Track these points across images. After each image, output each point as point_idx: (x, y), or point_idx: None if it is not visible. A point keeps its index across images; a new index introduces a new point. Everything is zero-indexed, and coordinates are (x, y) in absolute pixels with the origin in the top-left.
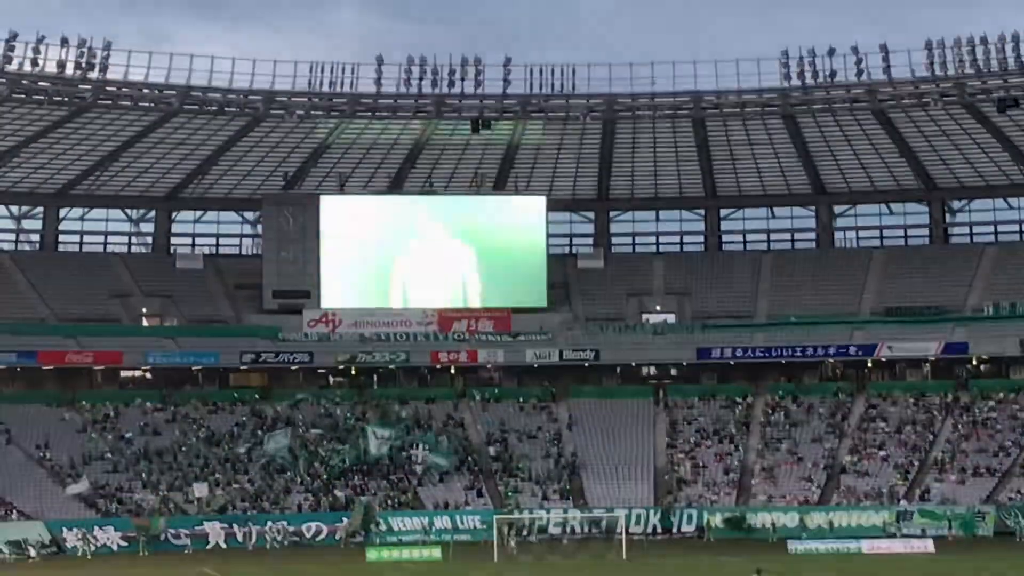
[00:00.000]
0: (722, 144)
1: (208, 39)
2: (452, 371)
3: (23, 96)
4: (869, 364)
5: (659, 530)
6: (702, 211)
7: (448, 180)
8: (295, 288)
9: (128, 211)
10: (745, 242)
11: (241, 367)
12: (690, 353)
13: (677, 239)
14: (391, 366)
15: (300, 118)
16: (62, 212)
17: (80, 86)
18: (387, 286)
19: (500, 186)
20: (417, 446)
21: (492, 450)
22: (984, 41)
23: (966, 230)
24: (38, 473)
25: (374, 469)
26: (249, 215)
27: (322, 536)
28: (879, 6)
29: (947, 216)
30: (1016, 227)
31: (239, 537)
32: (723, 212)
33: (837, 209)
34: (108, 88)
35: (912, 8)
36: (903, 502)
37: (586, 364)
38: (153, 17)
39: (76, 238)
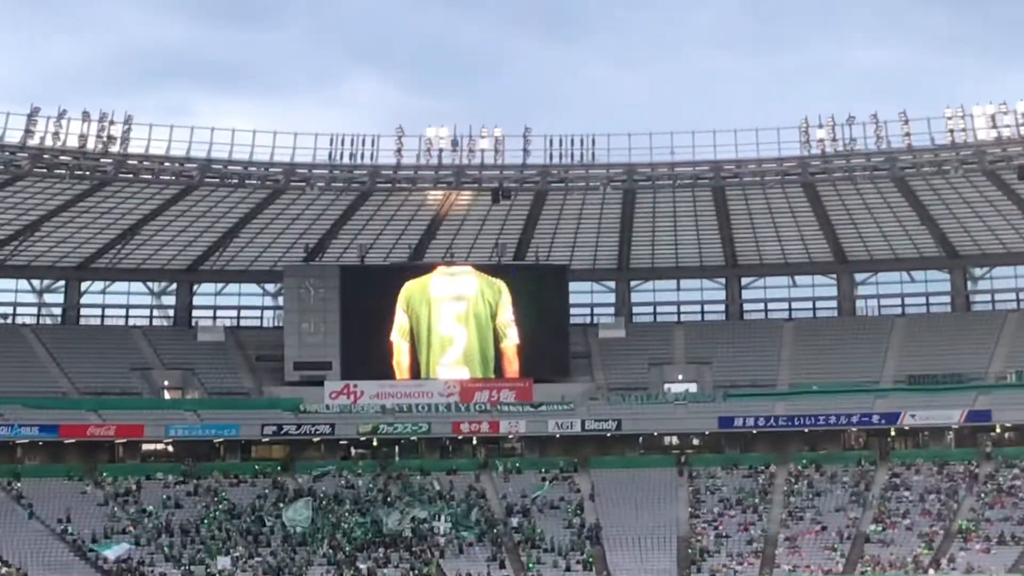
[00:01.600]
0: (742, 213)
1: (227, 112)
2: (474, 441)
3: (45, 170)
4: (892, 432)
5: None
6: (723, 280)
7: (469, 250)
8: (316, 360)
9: (149, 284)
10: (766, 310)
11: (263, 439)
12: (712, 422)
13: (698, 308)
14: (413, 437)
15: (321, 190)
16: (84, 285)
17: (101, 160)
18: (408, 357)
19: (521, 256)
20: (439, 517)
21: (514, 521)
22: (1003, 109)
23: (988, 297)
24: (59, 547)
25: (396, 541)
26: (270, 287)
27: None
28: (898, 75)
29: (968, 283)
30: None
31: None
32: (744, 280)
33: (858, 277)
34: (129, 162)
35: (931, 77)
36: (928, 571)
37: (608, 434)
38: (172, 91)
39: (98, 311)
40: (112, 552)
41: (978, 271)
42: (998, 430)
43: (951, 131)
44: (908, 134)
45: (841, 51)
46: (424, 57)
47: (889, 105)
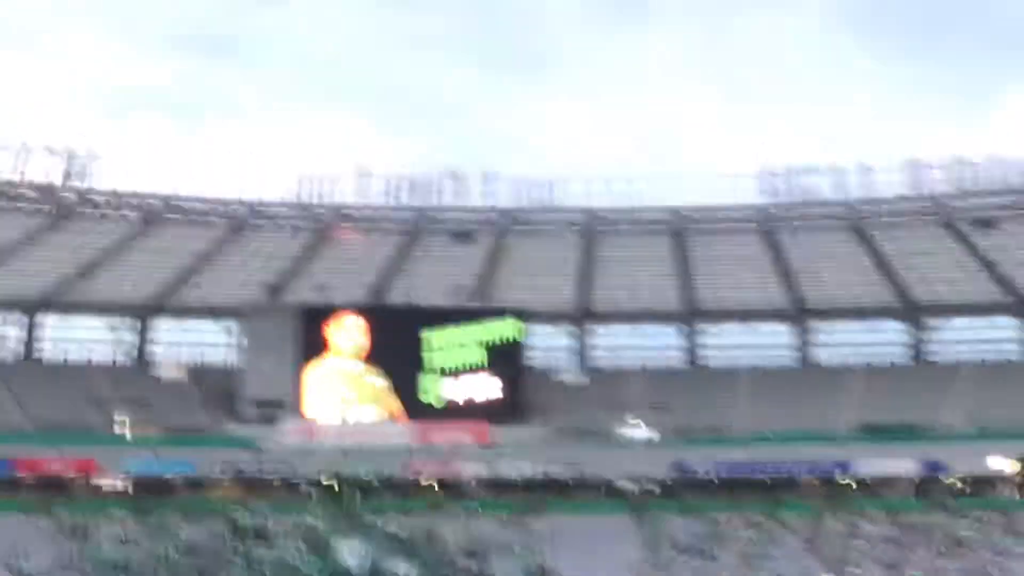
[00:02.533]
0: (702, 259)
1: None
2: (431, 484)
3: (6, 203)
4: (847, 481)
5: None
6: (682, 326)
7: (429, 291)
8: (274, 398)
9: (109, 319)
10: (724, 357)
11: (219, 477)
12: (669, 468)
13: (657, 354)
14: (369, 478)
15: (282, 228)
16: (43, 320)
17: (64, 194)
18: (366, 397)
19: (480, 298)
20: (396, 559)
21: (473, 565)
22: (962, 161)
23: (945, 348)
24: None
25: None
26: (229, 325)
27: None
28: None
29: (925, 334)
30: (995, 346)
31: None
32: (703, 327)
33: (816, 325)
34: (92, 196)
35: (891, 126)
36: None
37: (566, 479)
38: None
39: (57, 346)
40: None
41: (935, 322)
42: (952, 481)
43: (909, 182)
44: (868, 183)
45: (800, 97)
46: (388, 99)
47: (849, 152)
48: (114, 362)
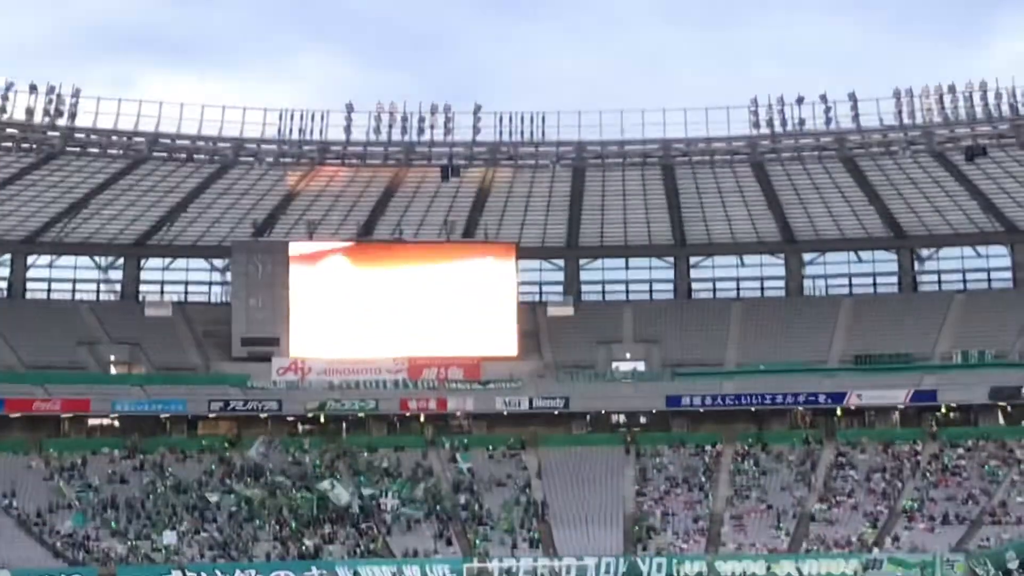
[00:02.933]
0: (691, 192)
1: (176, 87)
2: (421, 419)
3: None
4: (838, 412)
5: None
6: (671, 259)
7: (418, 227)
8: (264, 336)
9: (96, 258)
10: (715, 290)
11: (209, 415)
12: (660, 401)
13: (647, 287)
14: (360, 414)
15: (269, 165)
16: (30, 259)
17: (49, 133)
18: (357, 334)
19: (470, 234)
20: (386, 494)
21: (461, 498)
22: (952, 90)
23: (935, 278)
24: (4, 522)
25: (343, 517)
26: (218, 263)
27: None
28: (849, 53)
29: (916, 264)
30: (984, 275)
31: None
32: (692, 260)
33: (806, 257)
34: (77, 135)
35: (881, 57)
36: (873, 550)
37: (556, 412)
38: (121, 65)
39: (44, 285)
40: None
41: (925, 252)
42: (943, 410)
43: (900, 112)
44: (857, 115)
45: (790, 27)
46: (375, 34)
47: (839, 83)
48: (101, 301)
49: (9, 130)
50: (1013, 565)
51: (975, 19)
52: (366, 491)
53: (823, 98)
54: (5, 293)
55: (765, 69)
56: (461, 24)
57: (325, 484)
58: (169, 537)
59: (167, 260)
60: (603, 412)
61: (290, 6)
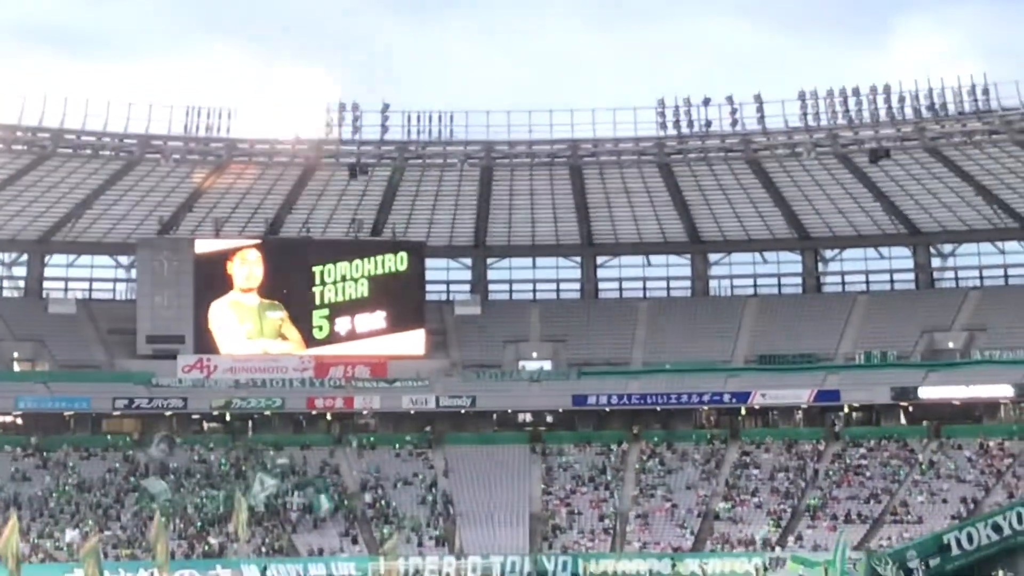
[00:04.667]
0: (599, 192)
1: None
2: (328, 417)
3: None
4: (743, 411)
5: None
6: (578, 258)
7: (326, 226)
8: (169, 333)
9: (0, 254)
10: (621, 290)
11: (114, 413)
12: (566, 400)
13: (554, 286)
14: (266, 412)
15: (176, 163)
16: None
17: None
18: (263, 331)
19: (378, 232)
20: (293, 492)
21: (368, 496)
22: (856, 93)
23: (838, 279)
24: None
25: (249, 516)
26: (124, 260)
27: None
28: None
29: (820, 265)
30: (887, 276)
31: None
32: (599, 260)
33: (712, 257)
34: None
35: (786, 59)
36: (776, 548)
37: (462, 411)
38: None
39: None
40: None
41: (829, 253)
42: (846, 410)
43: (804, 114)
44: (763, 116)
45: (698, 28)
46: (283, 29)
47: (747, 84)
48: (4, 297)
49: None
50: (914, 564)
51: (876, 22)
52: (269, 485)
53: (729, 100)
54: None
55: (675, 70)
56: (372, 21)
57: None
58: (72, 535)
59: (72, 257)
60: (510, 411)
61: (196, 0)
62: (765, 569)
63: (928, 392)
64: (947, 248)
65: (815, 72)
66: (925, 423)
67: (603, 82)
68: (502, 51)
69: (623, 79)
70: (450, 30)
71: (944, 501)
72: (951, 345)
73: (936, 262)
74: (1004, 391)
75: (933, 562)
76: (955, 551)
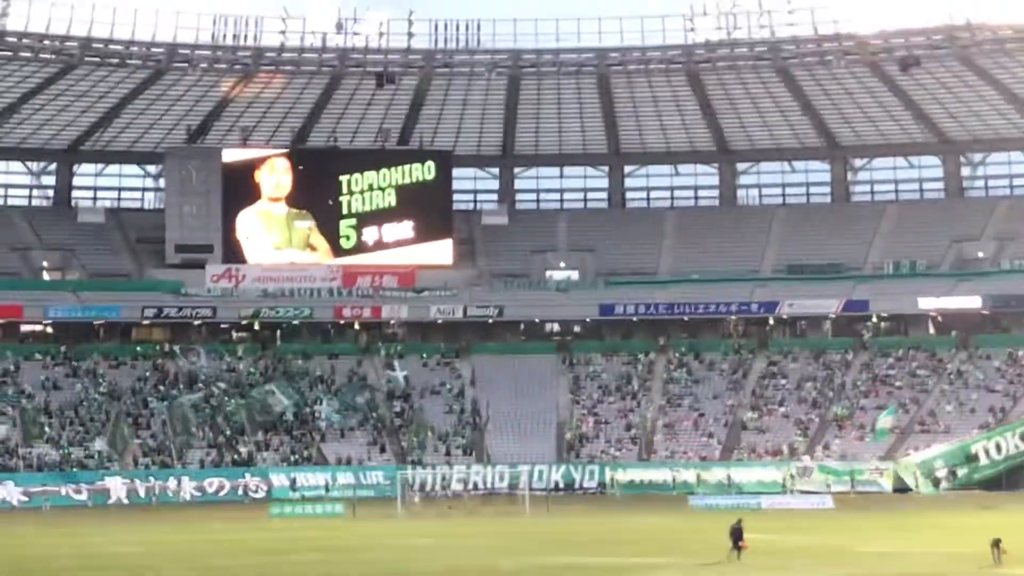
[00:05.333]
0: (626, 101)
1: None
2: (356, 327)
3: None
4: (770, 321)
5: (562, 486)
6: (606, 168)
7: (353, 135)
8: (198, 242)
9: (29, 163)
10: (649, 199)
11: (143, 322)
12: (593, 310)
13: (581, 196)
14: (295, 321)
15: (203, 71)
16: None
17: None
18: (291, 241)
19: (405, 141)
20: (320, 402)
21: (396, 406)
22: (886, 1)
23: (867, 188)
24: None
25: (277, 424)
26: (152, 169)
27: (224, 491)
28: None
29: (849, 174)
30: (916, 186)
31: (141, 493)
32: (627, 169)
33: (740, 167)
34: (7, 39)
35: None
36: (803, 458)
37: (490, 320)
38: None
39: None
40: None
41: (858, 162)
42: (875, 320)
43: (835, 21)
44: (792, 24)
45: None
46: None
47: None
48: (33, 206)
49: None
50: (942, 474)
51: None
52: (300, 398)
53: (759, 6)
54: None
55: None
56: None
57: (266, 389)
58: (101, 444)
59: (100, 166)
60: (537, 321)
61: None
62: (794, 476)
63: (956, 302)
64: (977, 157)
65: None
66: (954, 333)
67: None
68: None
69: None
70: None
71: (972, 411)
72: (980, 255)
73: (966, 171)
74: None
75: (961, 471)
76: (983, 460)
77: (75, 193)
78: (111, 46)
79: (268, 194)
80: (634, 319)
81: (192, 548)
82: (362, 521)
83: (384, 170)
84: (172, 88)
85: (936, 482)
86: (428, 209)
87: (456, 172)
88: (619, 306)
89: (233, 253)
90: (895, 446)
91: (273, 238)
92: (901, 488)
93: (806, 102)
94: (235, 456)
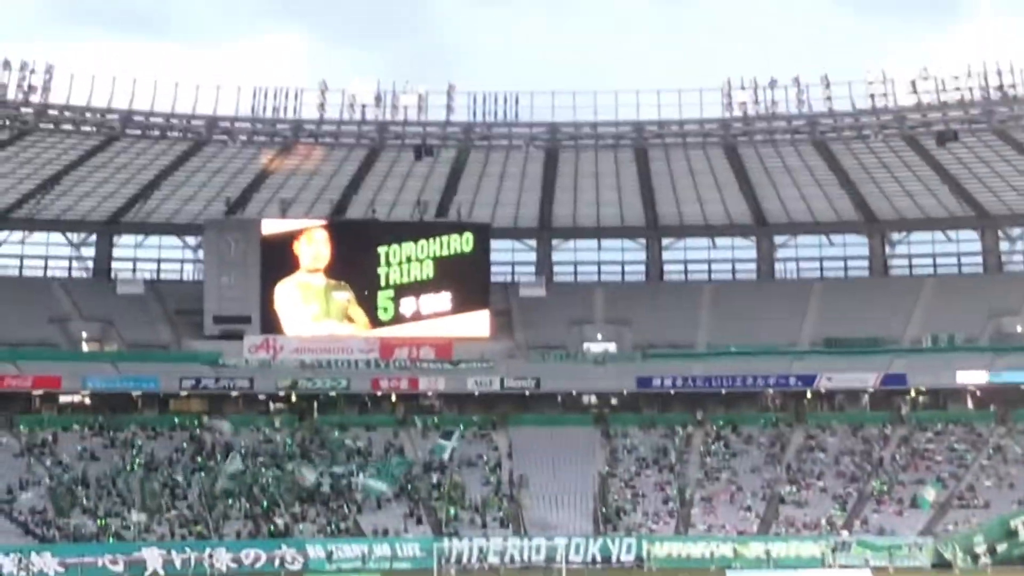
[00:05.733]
0: (664, 174)
1: (146, 62)
2: (393, 398)
3: None
4: (808, 395)
5: (598, 559)
6: (644, 240)
7: (391, 207)
8: (236, 314)
9: (69, 235)
10: (686, 272)
11: (181, 393)
12: (630, 382)
13: (619, 268)
14: (332, 393)
15: (243, 143)
16: (2, 235)
17: (22, 109)
18: (329, 312)
19: (443, 213)
20: (357, 473)
21: (432, 477)
22: (924, 74)
23: (905, 262)
24: None
25: (314, 496)
26: (191, 240)
27: (261, 563)
28: (821, 39)
29: (887, 248)
30: (954, 259)
31: (177, 564)
32: (664, 242)
33: (778, 240)
34: (50, 111)
35: (854, 41)
36: (842, 532)
37: (527, 392)
38: (90, 39)
39: (16, 262)
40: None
41: (896, 236)
42: (913, 394)
43: (872, 96)
44: (829, 98)
45: (765, 9)
46: (345, 10)
47: (812, 66)
48: (73, 277)
49: None
50: (980, 549)
51: (943, 4)
52: (337, 469)
53: (796, 81)
54: None
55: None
56: (432, 2)
57: (296, 463)
58: (139, 515)
59: (140, 237)
60: (574, 393)
61: None
62: (833, 551)
63: (994, 376)
64: (1016, 231)
65: (881, 54)
66: (992, 407)
67: (667, 64)
68: (566, 33)
69: (687, 61)
70: (513, 12)
71: (1011, 486)
72: (1019, 329)
73: (1004, 245)
74: None
75: (1001, 547)
76: (1022, 536)
77: (114, 264)
78: (152, 119)
79: (306, 265)
80: (671, 392)
81: None
82: None
83: (422, 242)
84: (212, 160)
85: (975, 557)
86: (466, 281)
87: (494, 244)
88: (656, 379)
89: (271, 324)
90: (934, 521)
91: (311, 309)
92: (940, 563)
93: (844, 176)
94: (271, 527)
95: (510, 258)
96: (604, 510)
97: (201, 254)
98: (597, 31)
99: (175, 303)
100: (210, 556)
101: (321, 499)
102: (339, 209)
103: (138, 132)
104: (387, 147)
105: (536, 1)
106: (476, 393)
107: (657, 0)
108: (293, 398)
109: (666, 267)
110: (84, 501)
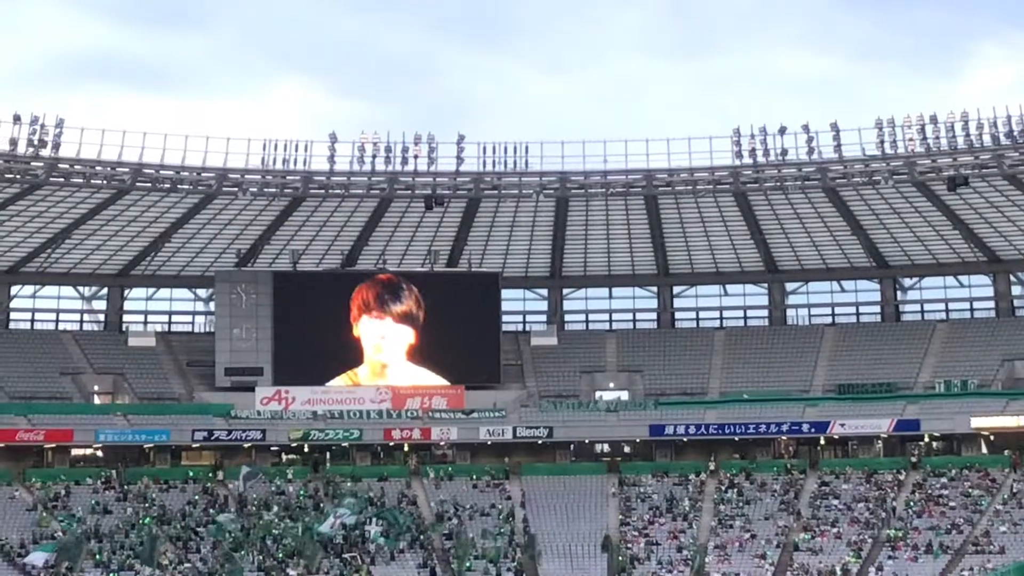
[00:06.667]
0: (674, 222)
1: (154, 116)
2: (405, 448)
3: None
4: (821, 441)
5: None
6: (655, 288)
7: (401, 257)
8: (247, 365)
9: (80, 288)
10: (698, 319)
11: (193, 445)
12: (643, 430)
13: (630, 316)
14: (344, 443)
15: (253, 195)
16: (13, 289)
17: (32, 163)
18: (340, 363)
19: (453, 263)
20: (371, 522)
21: (445, 527)
22: (934, 120)
23: (917, 307)
24: None
25: (327, 547)
26: (202, 292)
27: None
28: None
29: (898, 293)
30: (967, 304)
31: None
32: (676, 289)
33: (789, 286)
34: (60, 165)
35: (862, 86)
36: None
37: (539, 441)
38: (99, 94)
39: (27, 315)
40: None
41: (908, 281)
42: (926, 439)
43: (881, 142)
44: (839, 144)
45: (769, 57)
46: (352, 62)
47: (818, 112)
48: (85, 330)
49: None
50: None
51: (951, 51)
52: (349, 521)
53: (805, 128)
54: None
55: (749, 101)
56: (442, 54)
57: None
58: (150, 569)
59: (151, 290)
60: (587, 441)
61: (267, 34)
62: None
63: (1008, 421)
64: None
65: (890, 101)
66: (1007, 452)
67: (675, 113)
68: (573, 84)
69: (695, 110)
70: (521, 63)
71: None
72: None
73: (1016, 290)
74: None
75: None
76: None
77: (126, 317)
78: (162, 172)
79: (318, 316)
80: (684, 439)
81: None
82: None
83: (434, 291)
84: (222, 212)
85: None
86: (478, 330)
87: (505, 293)
88: (669, 426)
89: (283, 376)
90: (949, 566)
91: (323, 360)
92: None
93: (855, 222)
94: None
95: (521, 307)
96: (619, 559)
97: (212, 306)
98: (602, 84)
99: (186, 355)
100: None
101: (334, 551)
102: (350, 259)
103: (148, 185)
104: (397, 197)
105: (542, 53)
106: (489, 442)
107: (661, 53)
108: (305, 449)
109: (677, 314)
110: (97, 555)
